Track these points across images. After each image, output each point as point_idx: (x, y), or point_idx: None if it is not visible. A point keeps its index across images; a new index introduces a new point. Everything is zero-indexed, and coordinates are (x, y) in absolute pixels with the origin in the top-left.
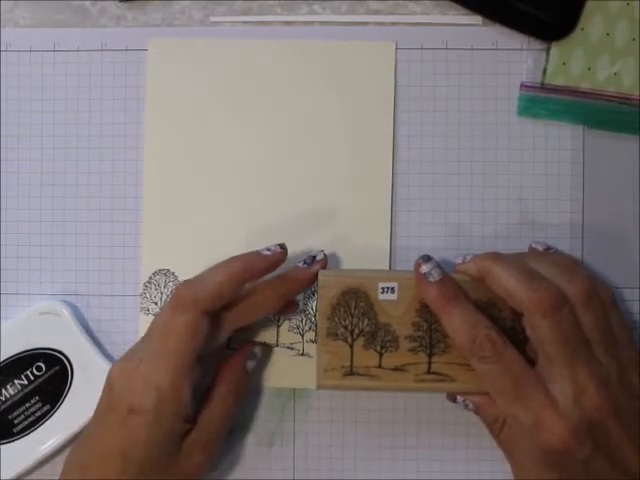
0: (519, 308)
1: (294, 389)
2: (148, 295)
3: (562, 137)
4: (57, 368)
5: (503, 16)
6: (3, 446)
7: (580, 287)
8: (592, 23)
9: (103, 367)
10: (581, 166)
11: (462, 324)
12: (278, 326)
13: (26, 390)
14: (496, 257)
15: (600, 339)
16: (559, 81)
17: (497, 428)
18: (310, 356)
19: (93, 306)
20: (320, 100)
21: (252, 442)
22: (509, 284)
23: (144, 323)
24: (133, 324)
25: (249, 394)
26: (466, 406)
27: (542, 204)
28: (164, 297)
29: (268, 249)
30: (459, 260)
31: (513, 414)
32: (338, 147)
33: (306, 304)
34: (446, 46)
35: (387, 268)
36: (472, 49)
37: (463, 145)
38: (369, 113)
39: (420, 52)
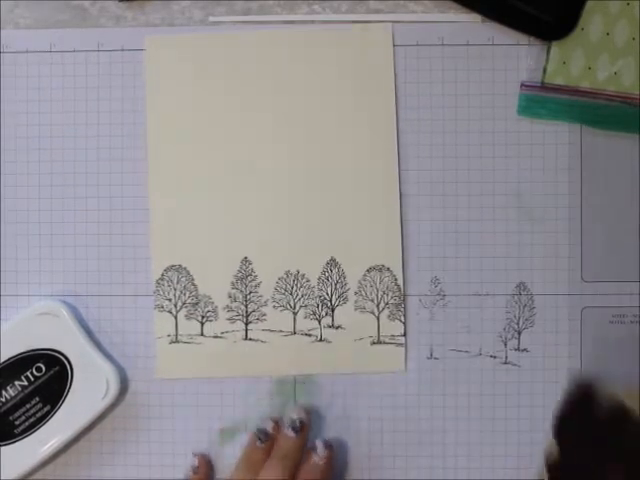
0: None
1: (294, 388)
2: (161, 292)
3: (559, 132)
4: (57, 369)
5: (503, 15)
6: (4, 447)
7: None
8: (592, 23)
9: (103, 367)
10: (579, 160)
11: None
12: (294, 314)
13: (26, 391)
14: None
15: None
16: (559, 81)
17: None
18: (329, 341)
19: (92, 307)
20: (319, 100)
21: None
22: None
23: (159, 320)
24: (133, 324)
25: (250, 394)
26: None
27: (540, 199)
28: (177, 293)
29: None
30: None
31: None
32: (338, 147)
33: (321, 289)
34: (442, 42)
35: (398, 255)
36: (468, 44)
37: (460, 141)
38: (369, 113)
39: (416, 49)
